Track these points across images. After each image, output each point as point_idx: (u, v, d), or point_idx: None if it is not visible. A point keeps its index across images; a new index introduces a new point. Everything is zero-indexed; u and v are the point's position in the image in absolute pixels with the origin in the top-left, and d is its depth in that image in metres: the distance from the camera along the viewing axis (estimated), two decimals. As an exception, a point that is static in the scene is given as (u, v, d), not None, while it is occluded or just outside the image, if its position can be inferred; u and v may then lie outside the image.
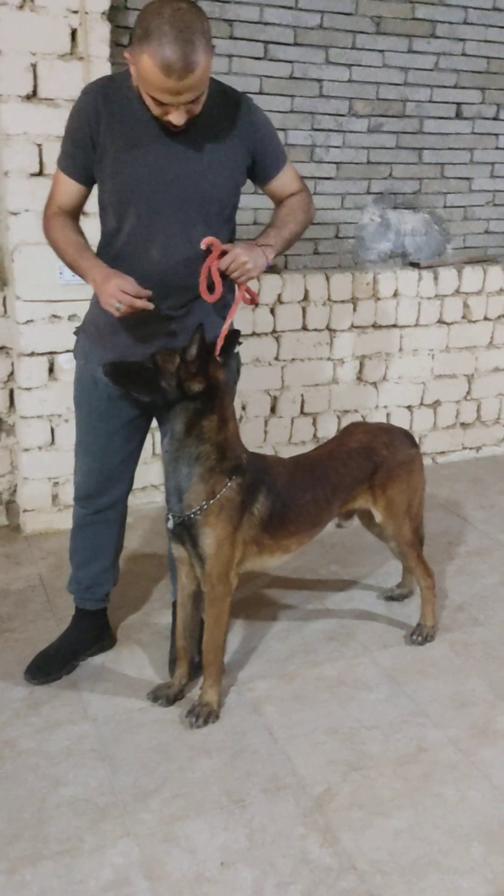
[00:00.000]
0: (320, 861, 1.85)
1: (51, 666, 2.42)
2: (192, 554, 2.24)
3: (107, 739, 2.19)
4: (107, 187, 2.09)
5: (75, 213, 2.19)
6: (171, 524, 2.23)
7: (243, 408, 3.64)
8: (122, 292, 1.95)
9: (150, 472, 3.44)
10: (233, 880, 1.79)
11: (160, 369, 2.08)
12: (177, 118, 1.92)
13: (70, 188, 2.13)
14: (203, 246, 2.04)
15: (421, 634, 2.66)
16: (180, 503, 2.18)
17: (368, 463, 2.48)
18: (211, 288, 2.04)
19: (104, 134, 2.02)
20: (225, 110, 2.07)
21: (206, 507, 2.15)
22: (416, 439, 4.01)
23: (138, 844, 1.87)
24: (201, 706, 2.27)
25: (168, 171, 2.04)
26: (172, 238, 2.08)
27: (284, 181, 2.25)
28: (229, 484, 2.16)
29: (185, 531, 2.21)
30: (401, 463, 2.54)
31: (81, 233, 2.17)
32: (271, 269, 3.64)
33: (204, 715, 2.26)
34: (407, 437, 2.65)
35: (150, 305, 1.99)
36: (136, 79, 1.91)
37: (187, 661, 2.38)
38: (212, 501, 2.15)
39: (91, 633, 2.53)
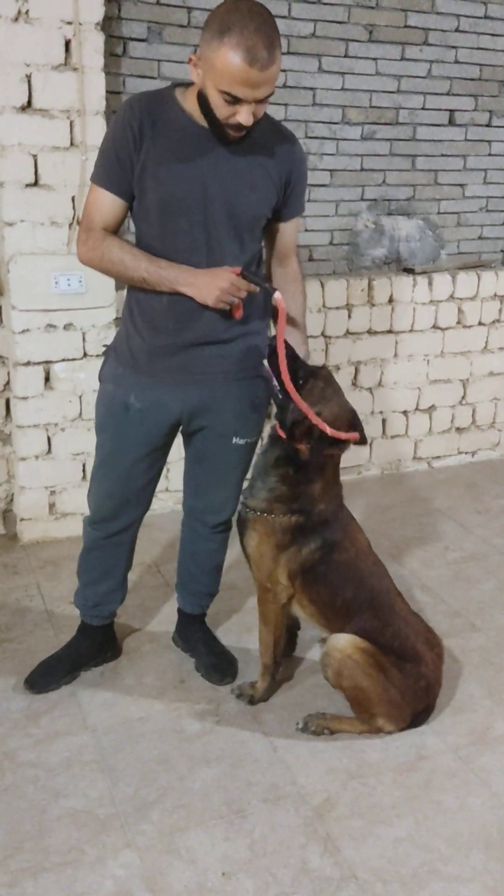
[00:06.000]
0: (321, 871, 1.85)
1: (51, 676, 2.42)
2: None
3: (107, 750, 2.19)
4: (148, 200, 2.03)
5: (116, 232, 2.08)
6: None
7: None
8: (234, 286, 1.99)
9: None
10: (234, 891, 1.80)
11: (292, 399, 2.02)
12: (245, 117, 1.88)
13: (111, 205, 2.04)
14: (275, 301, 2.03)
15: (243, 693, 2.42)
16: (250, 494, 2.25)
17: (417, 657, 2.24)
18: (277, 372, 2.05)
19: (147, 147, 1.97)
20: (275, 140, 2.07)
21: (258, 514, 2.21)
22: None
23: (139, 856, 1.88)
24: (249, 685, 2.42)
25: (212, 185, 2.01)
26: (212, 253, 2.05)
27: (290, 232, 2.25)
28: (289, 517, 2.17)
29: (241, 522, 2.29)
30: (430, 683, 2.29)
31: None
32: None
33: (246, 695, 2.39)
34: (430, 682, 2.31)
35: (256, 288, 2.04)
36: (205, 79, 1.87)
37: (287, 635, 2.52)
38: (266, 514, 2.19)
39: (95, 646, 2.52)
